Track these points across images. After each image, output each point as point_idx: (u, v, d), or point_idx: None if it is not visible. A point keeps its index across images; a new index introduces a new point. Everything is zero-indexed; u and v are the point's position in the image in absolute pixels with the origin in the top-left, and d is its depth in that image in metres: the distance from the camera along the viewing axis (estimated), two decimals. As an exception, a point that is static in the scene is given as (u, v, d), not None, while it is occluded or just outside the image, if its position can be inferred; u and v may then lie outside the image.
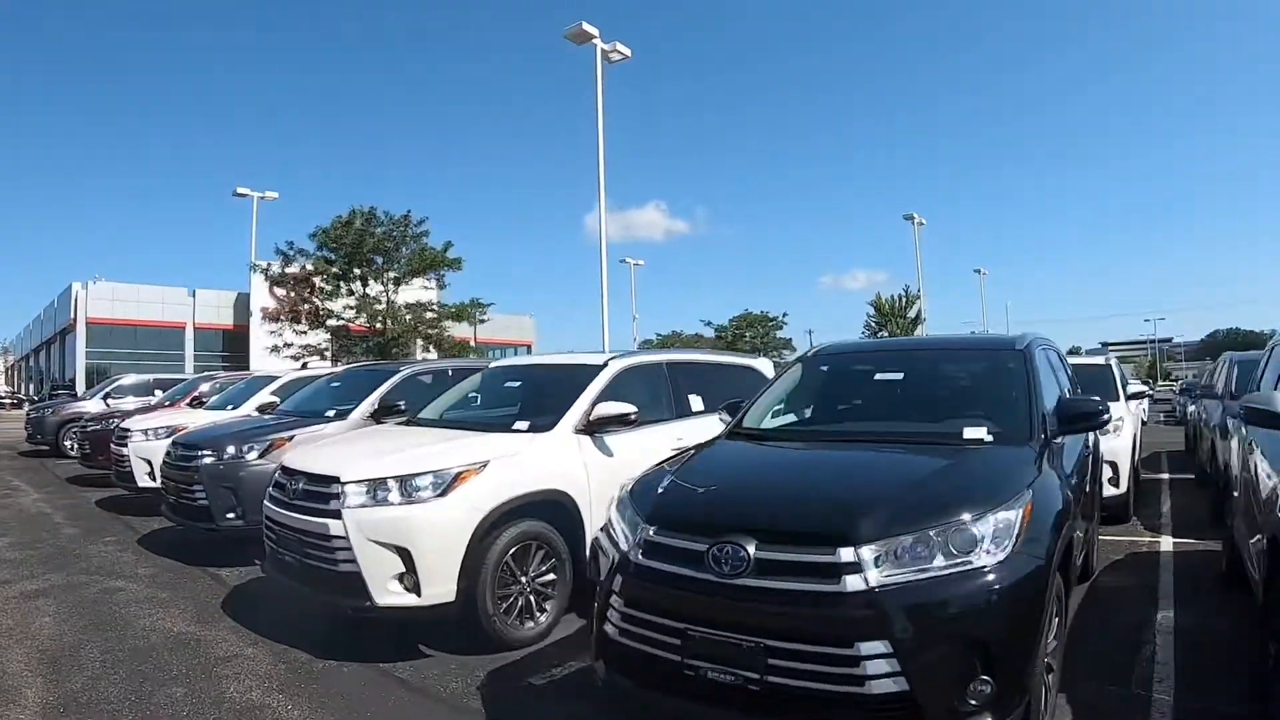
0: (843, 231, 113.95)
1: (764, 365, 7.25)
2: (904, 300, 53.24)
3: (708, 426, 5.65)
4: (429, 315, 24.45)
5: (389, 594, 3.92)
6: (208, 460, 6.15)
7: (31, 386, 53.68)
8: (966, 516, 2.61)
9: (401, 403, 6.71)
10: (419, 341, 24.75)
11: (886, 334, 51.81)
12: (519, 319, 53.98)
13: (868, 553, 2.52)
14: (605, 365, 5.35)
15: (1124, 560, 5.95)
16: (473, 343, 32.01)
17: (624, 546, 2.99)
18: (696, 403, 5.86)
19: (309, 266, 23.60)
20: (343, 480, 4.06)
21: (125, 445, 8.55)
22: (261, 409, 8.83)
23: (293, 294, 23.67)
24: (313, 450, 4.77)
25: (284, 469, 4.55)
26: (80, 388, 36.87)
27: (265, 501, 4.58)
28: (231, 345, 45.56)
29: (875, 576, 2.49)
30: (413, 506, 3.97)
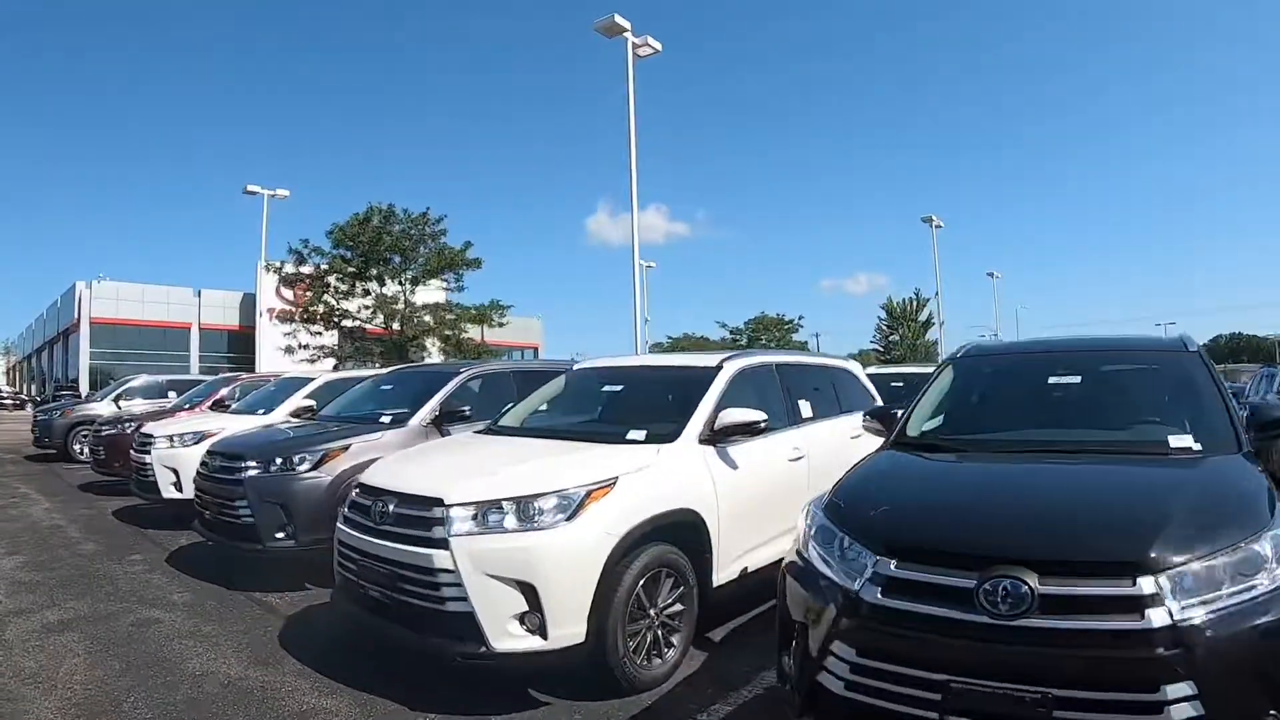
0: (843, 235, 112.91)
1: (855, 367, 6.69)
2: (915, 304, 52.84)
3: (825, 433, 5.18)
4: (449, 316, 23.66)
5: (508, 638, 3.25)
6: (252, 472, 5.43)
7: (33, 387, 52.97)
8: (1246, 536, 2.34)
9: (467, 408, 6.05)
10: (436, 344, 24.08)
11: (898, 337, 51.58)
12: (527, 321, 53.21)
13: (1165, 582, 2.22)
14: (720, 367, 4.73)
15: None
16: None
17: (846, 582, 2.53)
18: (806, 408, 5.28)
19: (323, 265, 22.94)
20: (447, 503, 3.39)
21: (148, 452, 7.85)
22: (297, 413, 8.15)
23: (309, 293, 22.95)
24: (398, 465, 4.08)
25: (365, 488, 3.85)
26: (84, 388, 36.21)
27: (340, 525, 3.89)
28: (237, 346, 44.96)
29: (1176, 609, 2.19)
30: (537, 533, 3.31)
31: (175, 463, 7.64)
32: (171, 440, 7.80)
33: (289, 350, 23.50)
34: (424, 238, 23.35)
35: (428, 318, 23.56)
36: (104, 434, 10.27)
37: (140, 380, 15.96)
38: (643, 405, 4.80)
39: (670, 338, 53.62)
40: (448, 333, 23.44)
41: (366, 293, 23.27)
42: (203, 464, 6.01)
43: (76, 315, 41.75)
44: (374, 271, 23.01)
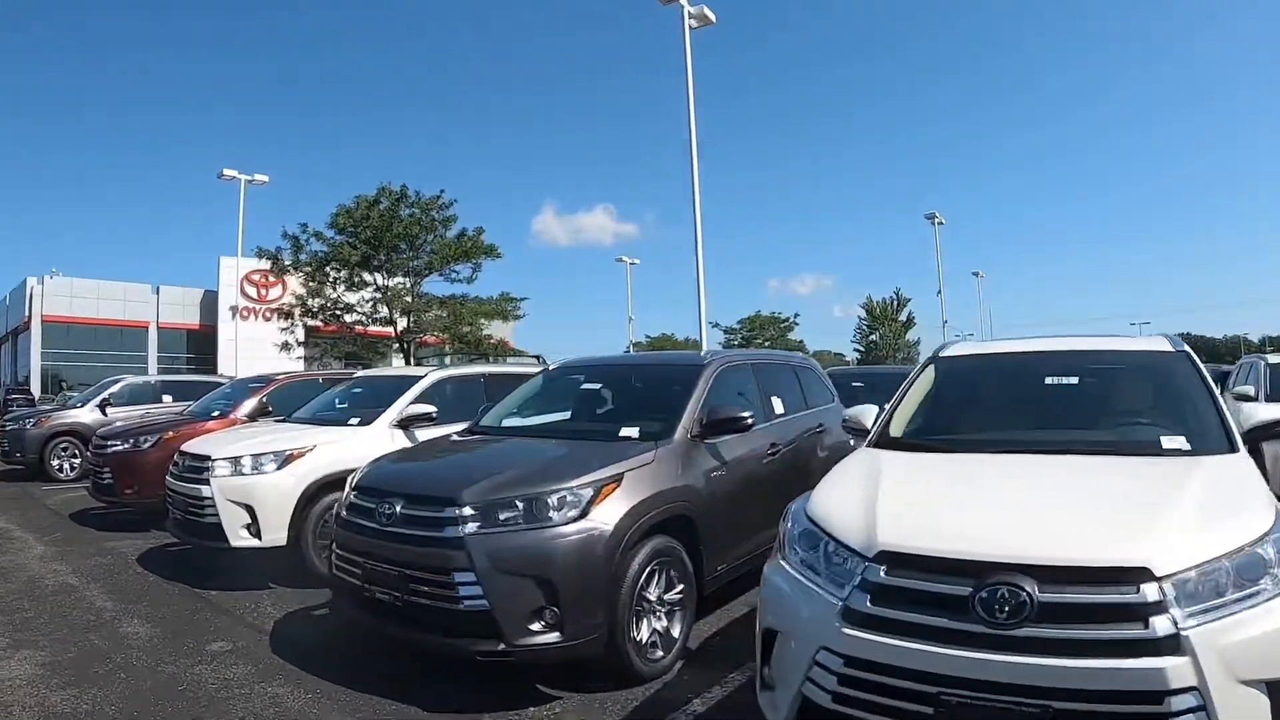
0: (790, 235, 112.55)
1: None
2: (895, 304, 51.98)
3: None
4: (461, 310, 21.27)
5: None
6: (473, 525, 3.27)
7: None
8: None
9: (748, 414, 4.03)
10: (435, 340, 21.82)
11: (877, 338, 50.72)
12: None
13: None
14: (1179, 352, 3.57)
15: None
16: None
17: None
18: None
19: (321, 252, 20.45)
20: (1160, 575, 2.00)
21: (204, 481, 5.56)
22: (405, 423, 6.00)
23: (312, 283, 20.42)
24: (943, 512, 2.42)
25: (934, 561, 1.97)
26: (35, 391, 32.99)
27: (868, 635, 1.93)
28: (197, 346, 42.21)
29: None
30: (1265, 607, 2.00)
31: (249, 496, 5.40)
32: (238, 464, 5.54)
33: (285, 346, 21.00)
34: (434, 224, 21.00)
35: (441, 311, 21.18)
36: (110, 450, 7.86)
37: (126, 382, 13.41)
38: (1102, 401, 3.62)
39: (649, 337, 52.01)
40: (465, 328, 21.05)
41: (365, 284, 20.90)
42: (354, 509, 3.78)
43: (27, 313, 38.66)
44: (381, 258, 20.58)
